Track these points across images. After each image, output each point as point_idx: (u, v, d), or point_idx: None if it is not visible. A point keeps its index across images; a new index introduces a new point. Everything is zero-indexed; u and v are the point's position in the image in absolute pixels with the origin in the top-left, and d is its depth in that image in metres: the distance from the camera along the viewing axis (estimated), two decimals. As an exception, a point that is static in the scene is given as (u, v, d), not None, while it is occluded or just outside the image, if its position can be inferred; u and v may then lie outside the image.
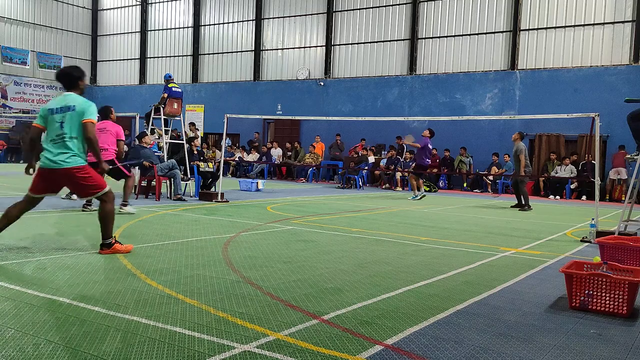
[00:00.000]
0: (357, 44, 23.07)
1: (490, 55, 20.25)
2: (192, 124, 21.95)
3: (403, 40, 22.05)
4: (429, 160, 15.40)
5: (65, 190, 10.96)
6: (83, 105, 5.31)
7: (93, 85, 31.17)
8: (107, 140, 8.93)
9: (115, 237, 5.59)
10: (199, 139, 15.61)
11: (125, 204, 8.96)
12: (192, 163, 12.88)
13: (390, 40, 22.30)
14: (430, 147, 15.26)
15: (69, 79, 5.47)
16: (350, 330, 3.43)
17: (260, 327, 3.40)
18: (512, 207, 13.39)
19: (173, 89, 12.84)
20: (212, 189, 12.57)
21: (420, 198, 14.62)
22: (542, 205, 14.25)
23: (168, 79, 13.00)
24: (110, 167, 8.60)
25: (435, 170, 19.67)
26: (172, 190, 11.55)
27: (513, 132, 14.33)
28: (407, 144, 16.26)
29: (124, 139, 9.23)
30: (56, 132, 5.27)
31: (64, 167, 5.23)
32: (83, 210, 8.92)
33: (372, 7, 22.70)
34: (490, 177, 18.86)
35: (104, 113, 9.12)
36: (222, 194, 11.60)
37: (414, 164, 16.08)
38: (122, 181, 9.29)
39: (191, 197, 12.19)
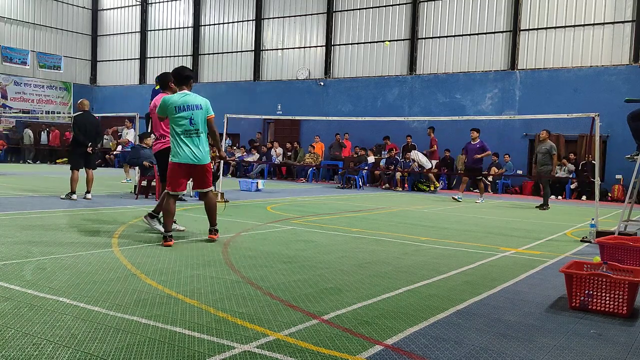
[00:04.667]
0: (357, 44, 23.07)
1: (490, 55, 20.25)
2: None
3: (403, 40, 22.05)
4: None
5: (65, 190, 10.96)
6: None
7: (93, 85, 31.18)
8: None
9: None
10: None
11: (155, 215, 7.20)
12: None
13: (390, 40, 22.30)
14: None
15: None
16: (350, 330, 3.43)
17: (260, 327, 3.39)
18: (536, 207, 13.28)
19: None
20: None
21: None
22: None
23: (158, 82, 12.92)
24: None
25: (435, 170, 19.66)
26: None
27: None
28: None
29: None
30: (186, 128, 6.15)
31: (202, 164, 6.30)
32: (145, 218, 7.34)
33: (372, 7, 22.70)
34: (490, 178, 18.84)
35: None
36: (222, 194, 11.59)
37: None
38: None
39: (191, 197, 12.18)
